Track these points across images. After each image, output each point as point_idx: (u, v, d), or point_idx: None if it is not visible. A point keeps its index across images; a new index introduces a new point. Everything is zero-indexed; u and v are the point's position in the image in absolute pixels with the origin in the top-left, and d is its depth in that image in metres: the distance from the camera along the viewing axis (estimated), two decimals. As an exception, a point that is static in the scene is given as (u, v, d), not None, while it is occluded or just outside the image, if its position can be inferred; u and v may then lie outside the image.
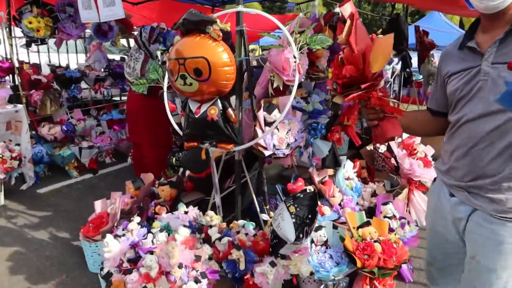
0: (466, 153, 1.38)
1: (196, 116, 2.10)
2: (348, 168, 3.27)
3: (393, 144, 3.56)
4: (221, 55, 1.97)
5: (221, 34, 1.97)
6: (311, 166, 3.01)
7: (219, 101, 2.10)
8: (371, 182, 3.49)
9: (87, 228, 2.65)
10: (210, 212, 2.56)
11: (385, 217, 2.77)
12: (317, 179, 2.98)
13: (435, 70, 4.85)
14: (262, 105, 2.34)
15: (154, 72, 2.55)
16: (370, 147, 4.13)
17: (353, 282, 2.46)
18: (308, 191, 2.10)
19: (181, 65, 1.97)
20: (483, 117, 1.31)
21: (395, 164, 3.72)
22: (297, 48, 2.12)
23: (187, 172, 2.96)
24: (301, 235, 1.98)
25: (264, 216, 2.45)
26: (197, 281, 1.86)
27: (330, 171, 3.28)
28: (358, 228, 2.48)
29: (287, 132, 2.39)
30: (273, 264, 2.00)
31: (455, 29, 10.78)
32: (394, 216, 2.80)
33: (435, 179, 1.65)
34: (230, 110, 2.09)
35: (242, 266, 2.03)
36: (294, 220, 1.99)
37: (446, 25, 12.87)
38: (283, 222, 2.00)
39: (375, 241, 2.38)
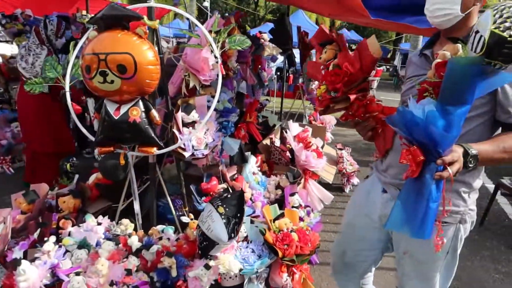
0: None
1: (116, 118, 1.94)
2: (252, 163, 3.40)
3: (289, 137, 3.83)
4: (147, 52, 1.87)
5: (147, 31, 1.86)
6: (221, 163, 3.05)
7: (141, 102, 1.99)
8: (272, 175, 3.70)
9: (-31, 254, 2.22)
10: (125, 221, 2.40)
11: (293, 207, 2.98)
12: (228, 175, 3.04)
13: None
14: (180, 105, 2.28)
15: (51, 70, 2.25)
16: (266, 142, 4.36)
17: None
18: (233, 190, 2.13)
19: (102, 61, 1.82)
20: None
21: (290, 157, 4.03)
22: (218, 48, 2.12)
23: (92, 179, 2.70)
24: (232, 235, 2.02)
25: (184, 219, 2.40)
26: (130, 296, 1.74)
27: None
28: (274, 220, 2.62)
29: (205, 132, 2.38)
30: (207, 267, 2.00)
31: (314, 27, 11.94)
32: (301, 205, 3.03)
33: (367, 176, 1.82)
34: (153, 111, 2.00)
35: (174, 273, 1.97)
36: (224, 220, 2.01)
37: (308, 24, 14.17)
38: (214, 223, 2.01)
39: (291, 231, 2.56)
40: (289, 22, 4.93)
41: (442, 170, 1.13)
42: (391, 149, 1.59)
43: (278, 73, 7.48)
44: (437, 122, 1.10)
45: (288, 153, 4.05)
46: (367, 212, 1.70)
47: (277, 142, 4.30)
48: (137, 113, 1.96)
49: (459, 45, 1.19)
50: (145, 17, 1.91)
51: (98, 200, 2.70)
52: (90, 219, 2.39)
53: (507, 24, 1.02)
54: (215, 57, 2.11)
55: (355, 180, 4.65)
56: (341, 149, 4.78)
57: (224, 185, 2.86)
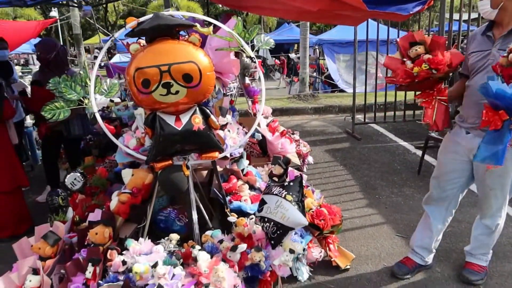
0: (476, 106, 2.06)
1: (179, 129, 1.91)
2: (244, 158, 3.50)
3: (263, 129, 4.00)
4: (206, 59, 1.88)
5: (201, 38, 1.87)
6: (228, 163, 3.08)
7: (198, 109, 1.98)
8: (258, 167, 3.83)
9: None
10: (173, 235, 2.34)
11: (300, 189, 3.19)
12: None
13: (247, 63, 5.54)
14: (216, 109, 2.31)
15: (70, 91, 2.04)
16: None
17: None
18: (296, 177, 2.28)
19: (165, 72, 1.79)
20: None
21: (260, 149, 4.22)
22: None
23: (113, 204, 2.49)
24: (305, 216, 2.17)
25: (231, 218, 2.44)
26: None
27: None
28: (300, 202, 2.81)
29: (237, 132, 2.45)
30: (292, 251, 2.11)
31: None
32: (304, 186, 3.26)
33: (451, 129, 2.35)
34: (212, 116, 2.01)
35: (263, 266, 2.04)
36: (296, 206, 2.15)
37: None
38: (288, 211, 2.12)
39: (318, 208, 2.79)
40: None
41: None
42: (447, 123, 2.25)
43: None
44: None
45: (258, 146, 4.23)
46: (454, 150, 2.29)
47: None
48: (199, 120, 1.95)
49: None
50: (198, 25, 1.90)
51: (124, 224, 2.53)
52: (132, 244, 2.27)
53: None
54: (250, 58, 2.20)
55: (310, 159, 5.05)
56: (293, 134, 5.12)
57: (240, 182, 2.93)
